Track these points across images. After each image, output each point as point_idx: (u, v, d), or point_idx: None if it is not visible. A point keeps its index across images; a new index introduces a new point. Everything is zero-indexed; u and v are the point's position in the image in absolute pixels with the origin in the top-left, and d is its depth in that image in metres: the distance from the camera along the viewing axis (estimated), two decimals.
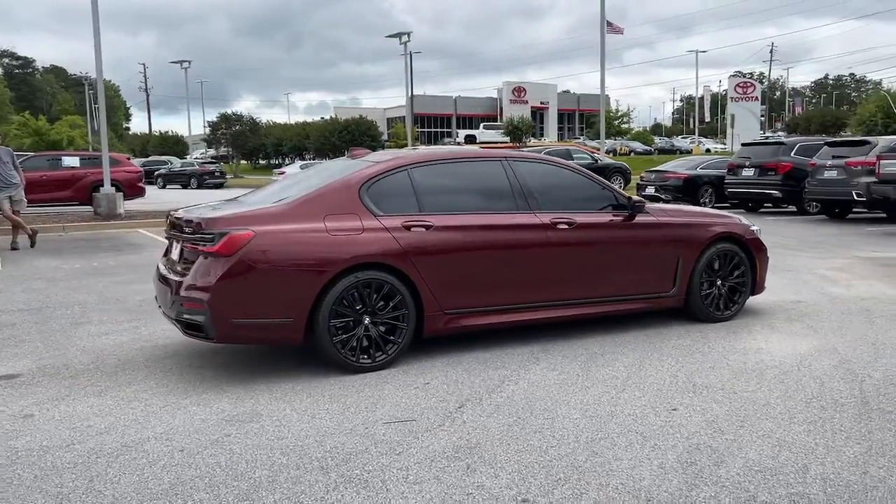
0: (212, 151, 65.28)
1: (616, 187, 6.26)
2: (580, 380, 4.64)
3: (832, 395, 4.29)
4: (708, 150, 54.05)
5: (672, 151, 57.40)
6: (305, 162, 44.21)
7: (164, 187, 38.65)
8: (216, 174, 40.41)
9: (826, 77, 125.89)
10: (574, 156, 24.31)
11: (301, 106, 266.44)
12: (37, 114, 48.59)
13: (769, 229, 6.66)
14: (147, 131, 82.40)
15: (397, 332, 4.91)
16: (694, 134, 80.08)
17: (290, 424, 3.91)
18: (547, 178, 5.78)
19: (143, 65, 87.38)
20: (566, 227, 5.53)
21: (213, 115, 61.22)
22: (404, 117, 57.24)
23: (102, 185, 16.70)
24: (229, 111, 56.75)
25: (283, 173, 32.67)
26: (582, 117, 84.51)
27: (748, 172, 17.19)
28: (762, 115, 67.97)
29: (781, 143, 17.80)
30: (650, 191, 19.48)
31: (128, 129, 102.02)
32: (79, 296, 7.75)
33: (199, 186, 38.27)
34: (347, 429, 3.84)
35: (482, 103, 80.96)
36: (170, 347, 5.57)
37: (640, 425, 3.84)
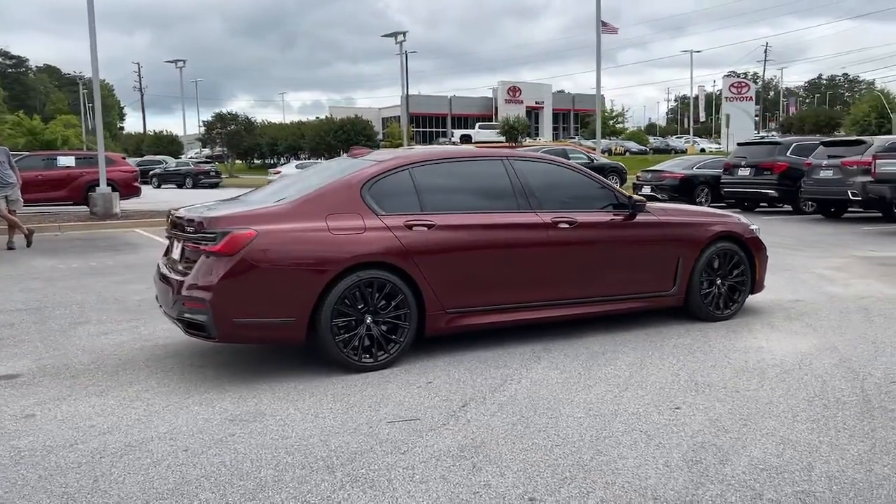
0: (207, 151, 65.13)
1: (616, 187, 6.27)
2: (582, 379, 4.64)
3: (834, 393, 4.31)
4: (703, 150, 54.18)
5: (667, 151, 57.51)
6: (301, 161, 44.17)
7: (158, 187, 38.53)
8: (211, 174, 40.32)
9: (820, 77, 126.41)
10: (570, 155, 24.29)
11: (296, 105, 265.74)
12: (30, 113, 48.42)
13: (765, 229, 6.68)
14: (141, 131, 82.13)
15: (399, 331, 4.91)
16: (688, 134, 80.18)
17: (293, 424, 3.91)
18: (548, 178, 5.79)
19: (138, 64, 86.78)
20: (567, 226, 5.54)
21: (207, 115, 61.06)
22: (399, 117, 57.23)
23: (98, 185, 16.63)
24: (224, 110, 56.69)
25: (278, 173, 32.68)
26: (577, 117, 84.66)
27: (744, 172, 17.25)
28: (756, 115, 68.18)
29: (777, 143, 17.88)
30: (646, 190, 19.51)
31: (122, 128, 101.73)
32: (77, 295, 7.72)
33: (195, 186, 38.17)
34: (351, 428, 3.83)
35: (477, 103, 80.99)
36: (170, 347, 5.56)
37: (643, 424, 3.85)
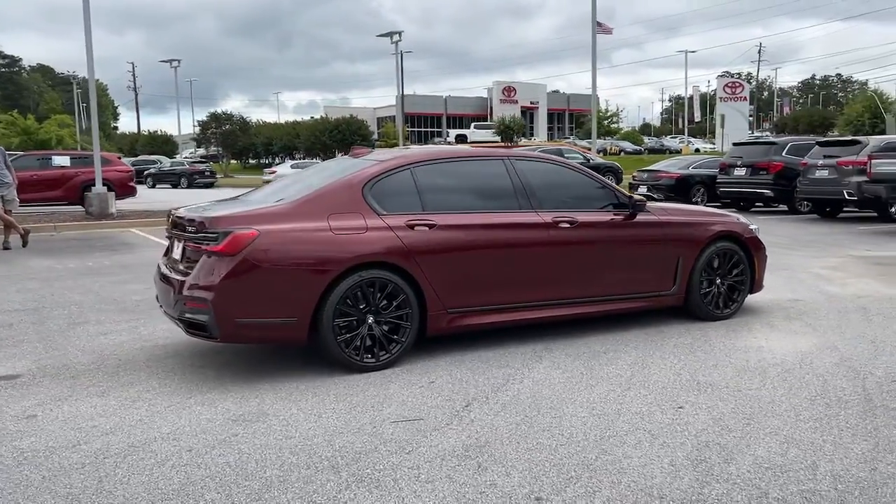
0: (201, 151, 64.97)
1: (617, 186, 6.28)
2: (585, 378, 4.65)
3: (836, 392, 4.32)
4: (697, 150, 54.32)
5: (662, 151, 57.68)
6: (296, 161, 44.12)
7: (153, 187, 38.43)
8: (206, 174, 40.26)
9: (813, 77, 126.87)
10: (566, 155, 24.33)
11: (290, 105, 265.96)
12: (24, 113, 48.25)
13: (762, 228, 6.71)
14: (136, 130, 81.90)
15: (401, 331, 4.91)
16: (683, 134, 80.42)
17: (297, 424, 3.90)
18: (548, 178, 5.79)
19: (132, 63, 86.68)
20: (568, 225, 5.54)
21: (202, 115, 61.07)
22: (394, 117, 57.19)
23: (93, 185, 16.57)
24: (219, 110, 56.54)
25: (273, 172, 32.65)
26: (571, 117, 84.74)
27: (740, 172, 17.29)
28: (751, 116, 68.36)
29: (773, 143, 17.92)
30: (642, 190, 19.56)
31: (116, 128, 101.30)
32: (75, 296, 7.69)
33: (189, 186, 38.09)
34: (355, 428, 3.83)
35: (472, 103, 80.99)
36: (170, 347, 5.54)
37: (647, 423, 3.85)
